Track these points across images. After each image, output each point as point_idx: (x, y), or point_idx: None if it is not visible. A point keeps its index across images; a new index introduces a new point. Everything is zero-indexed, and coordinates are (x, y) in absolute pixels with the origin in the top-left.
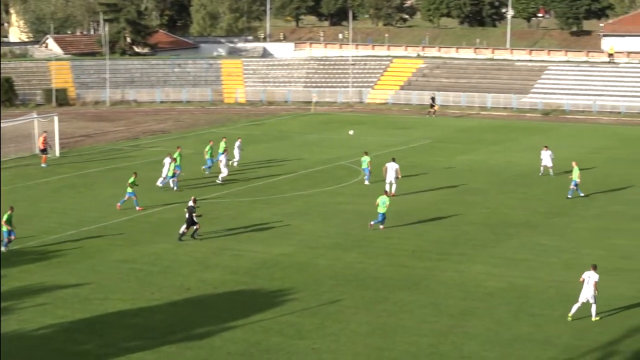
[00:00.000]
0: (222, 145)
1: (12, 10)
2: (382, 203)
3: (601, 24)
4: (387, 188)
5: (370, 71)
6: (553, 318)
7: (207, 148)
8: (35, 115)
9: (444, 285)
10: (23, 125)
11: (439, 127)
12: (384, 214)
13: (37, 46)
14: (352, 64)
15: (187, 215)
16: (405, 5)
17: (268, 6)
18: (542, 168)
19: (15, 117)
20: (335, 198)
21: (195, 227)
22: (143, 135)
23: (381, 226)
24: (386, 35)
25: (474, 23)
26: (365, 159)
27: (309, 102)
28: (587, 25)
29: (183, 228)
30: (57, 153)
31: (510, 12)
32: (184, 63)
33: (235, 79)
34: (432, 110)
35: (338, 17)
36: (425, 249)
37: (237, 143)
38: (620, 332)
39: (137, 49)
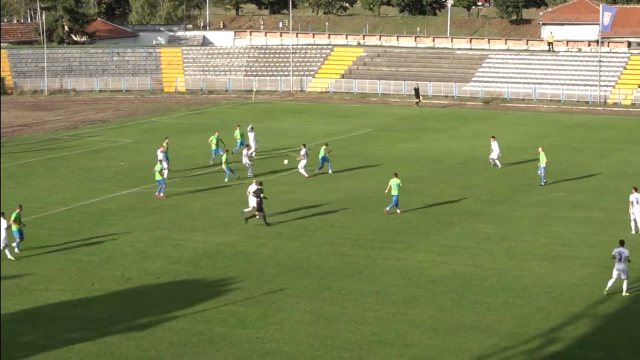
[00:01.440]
0: (238, 133)
1: None
2: (396, 185)
3: (540, 13)
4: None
5: (311, 60)
6: (495, 305)
7: (212, 138)
8: None
9: (386, 274)
10: None
11: (380, 115)
12: (397, 196)
13: None
14: (293, 53)
15: (256, 199)
16: None
17: None
18: (492, 160)
19: None
20: (277, 187)
21: (260, 214)
22: (82, 125)
23: (398, 210)
24: (326, 23)
25: (415, 12)
26: (323, 149)
27: (250, 91)
28: (526, 13)
29: (247, 210)
30: None
31: (450, 1)
32: (123, 52)
33: (175, 68)
34: (418, 101)
35: (278, 6)
36: (367, 237)
37: (252, 134)
38: (562, 320)
39: (75, 38)
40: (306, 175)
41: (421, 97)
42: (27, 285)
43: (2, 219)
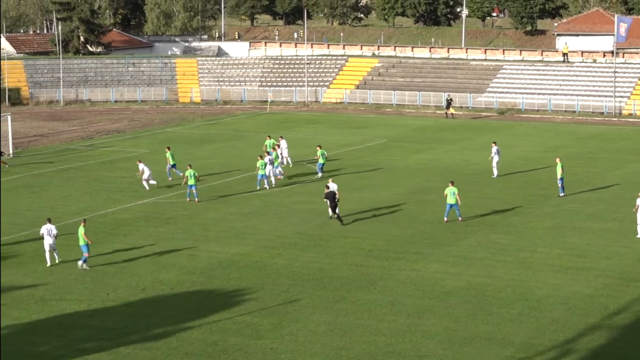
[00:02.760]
0: (269, 143)
1: None
2: (452, 193)
3: (555, 24)
4: None
5: (326, 70)
6: (510, 316)
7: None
8: None
9: (401, 284)
10: None
11: (395, 126)
12: (456, 204)
13: None
14: (308, 63)
15: (329, 202)
16: (360, 4)
17: (222, 5)
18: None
19: None
20: (292, 197)
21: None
22: (97, 135)
23: (460, 218)
24: (341, 34)
25: (429, 22)
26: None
27: (265, 102)
28: (541, 24)
29: (331, 213)
30: (11, 153)
31: (464, 12)
32: (139, 62)
33: (190, 78)
34: (450, 112)
35: (293, 16)
36: (381, 248)
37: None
38: (577, 331)
39: (90, 48)
40: (320, 174)
41: (451, 109)
42: (42, 295)
43: (49, 224)
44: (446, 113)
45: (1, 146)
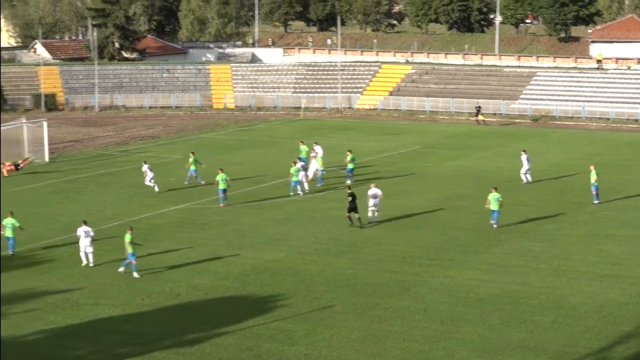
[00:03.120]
0: (304, 149)
1: (0, 15)
2: (495, 200)
3: (589, 31)
4: None
5: (359, 77)
6: (544, 324)
7: (302, 148)
8: (24, 121)
9: (434, 291)
10: (12, 131)
11: (429, 133)
12: (498, 211)
13: (25, 51)
14: (341, 70)
15: (350, 203)
16: (394, 11)
17: (256, 12)
18: (524, 176)
19: (4, 122)
20: (325, 203)
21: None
22: (132, 141)
23: (495, 225)
24: (375, 41)
25: (463, 29)
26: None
27: (298, 108)
28: (575, 31)
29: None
30: (47, 158)
31: (498, 18)
32: (173, 68)
33: (224, 85)
34: (480, 119)
35: (326, 23)
36: (415, 255)
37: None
38: (612, 339)
39: (125, 54)
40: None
41: (481, 116)
42: (77, 299)
43: (85, 226)
44: (477, 120)
45: (26, 152)
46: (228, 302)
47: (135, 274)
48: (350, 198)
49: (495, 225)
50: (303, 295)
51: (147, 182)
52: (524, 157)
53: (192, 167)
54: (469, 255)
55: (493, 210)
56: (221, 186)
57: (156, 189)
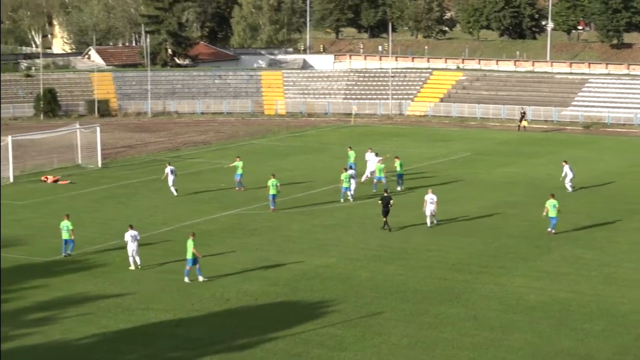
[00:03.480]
0: (352, 154)
1: (55, 22)
2: (552, 206)
3: None
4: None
5: (410, 83)
6: (594, 332)
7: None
8: (78, 126)
9: (484, 298)
10: (66, 136)
11: (479, 139)
12: (555, 217)
13: (79, 57)
14: (392, 76)
15: (384, 207)
16: (445, 17)
17: (308, 18)
18: (568, 186)
19: (58, 127)
20: (375, 210)
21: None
22: (184, 147)
23: (552, 230)
24: (426, 47)
25: (514, 35)
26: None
27: (349, 114)
28: (627, 38)
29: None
30: (99, 164)
31: (550, 25)
32: (225, 74)
33: (275, 91)
34: (522, 125)
35: (378, 29)
36: (465, 262)
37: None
38: None
39: (178, 61)
40: (399, 188)
41: (525, 122)
42: (129, 304)
43: (131, 230)
44: (518, 126)
45: (80, 157)
46: (278, 307)
47: (186, 279)
48: (380, 202)
49: (553, 232)
50: (353, 302)
51: (171, 185)
52: (566, 167)
53: (239, 172)
54: (519, 263)
55: (551, 217)
56: (271, 191)
57: (174, 193)
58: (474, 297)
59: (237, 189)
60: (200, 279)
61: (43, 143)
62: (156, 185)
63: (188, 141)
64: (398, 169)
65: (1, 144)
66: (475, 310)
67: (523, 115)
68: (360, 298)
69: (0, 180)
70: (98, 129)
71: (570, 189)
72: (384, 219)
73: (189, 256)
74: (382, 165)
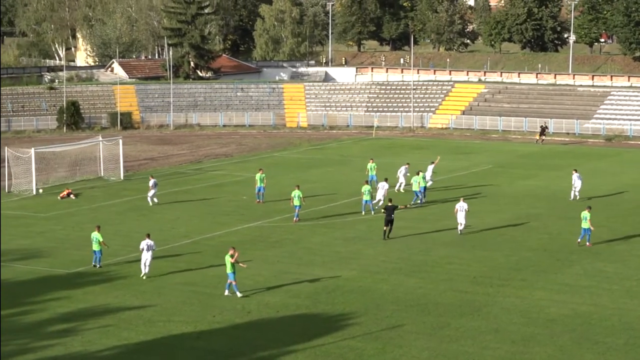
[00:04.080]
0: (372, 166)
1: (78, 35)
2: (585, 218)
3: None
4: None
5: (432, 96)
6: (616, 346)
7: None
8: (101, 139)
9: (505, 311)
10: (89, 148)
11: (501, 152)
12: (586, 229)
13: (102, 70)
14: (414, 89)
15: (389, 216)
16: (467, 30)
17: (330, 31)
18: (572, 193)
19: (81, 140)
20: (396, 222)
21: (387, 227)
22: (206, 159)
23: (588, 243)
24: (447, 60)
25: (536, 48)
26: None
27: (371, 127)
28: None
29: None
30: (122, 176)
31: (572, 38)
32: (247, 87)
33: (297, 103)
34: (540, 139)
35: (399, 42)
36: (486, 275)
37: (403, 169)
38: None
39: (200, 73)
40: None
41: (544, 136)
42: (150, 316)
43: (148, 239)
44: (536, 139)
45: (102, 170)
46: (299, 320)
47: (238, 294)
48: (383, 210)
49: (587, 244)
50: (373, 314)
51: (149, 196)
52: (574, 175)
53: (260, 185)
54: (540, 276)
55: (583, 229)
56: (295, 202)
57: (150, 203)
58: (495, 310)
59: (257, 200)
60: (238, 294)
61: (66, 155)
62: (178, 197)
63: (210, 153)
64: (421, 182)
65: (4, 155)
66: (496, 323)
67: (543, 130)
68: (380, 311)
69: (0, 190)
70: (120, 141)
71: (572, 197)
72: (385, 228)
73: (229, 270)
74: (420, 177)
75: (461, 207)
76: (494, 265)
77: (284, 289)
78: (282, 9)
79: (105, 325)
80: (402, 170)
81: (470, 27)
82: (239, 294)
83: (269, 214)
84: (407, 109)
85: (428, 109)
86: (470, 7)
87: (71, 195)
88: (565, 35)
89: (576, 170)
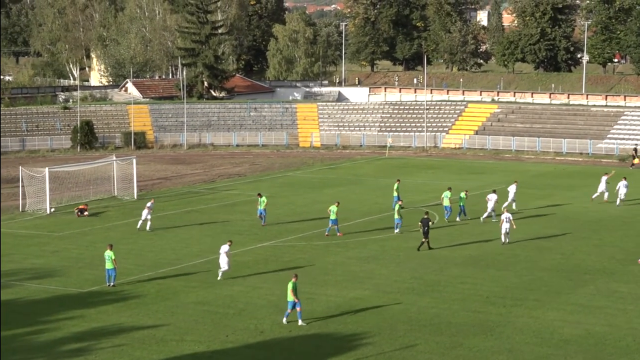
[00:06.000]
0: (397, 187)
1: (93, 55)
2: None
3: None
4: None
5: (445, 115)
6: None
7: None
8: (114, 158)
9: (519, 332)
10: (102, 168)
11: (514, 172)
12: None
13: (116, 90)
14: (427, 109)
15: (424, 228)
16: (480, 50)
17: (343, 51)
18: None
19: (95, 159)
20: (408, 242)
21: (426, 240)
22: (219, 179)
23: None
24: (461, 80)
25: (549, 68)
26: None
27: (384, 146)
28: None
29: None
30: (135, 196)
31: (585, 58)
32: (260, 107)
33: (310, 123)
34: (637, 162)
35: (413, 62)
36: (499, 295)
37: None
38: None
39: (214, 93)
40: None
41: (637, 159)
42: (163, 335)
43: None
44: (632, 163)
45: (116, 189)
46: (311, 339)
47: (300, 322)
48: (420, 223)
49: None
50: (386, 334)
51: (143, 217)
52: (621, 183)
53: (260, 207)
54: (554, 296)
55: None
56: (332, 217)
57: (139, 226)
58: (508, 330)
59: (263, 224)
60: (300, 322)
61: (80, 175)
62: (191, 217)
63: (223, 173)
64: (444, 200)
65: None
66: (509, 343)
67: (636, 152)
68: (393, 331)
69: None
70: (134, 160)
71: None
72: (424, 240)
73: (289, 299)
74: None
75: (506, 217)
76: (507, 285)
77: None
78: (296, 29)
79: (118, 345)
80: (511, 187)
81: (483, 47)
82: (300, 322)
83: (283, 233)
84: (420, 129)
85: (441, 129)
86: (484, 27)
87: (85, 213)
88: (579, 56)
89: (625, 178)
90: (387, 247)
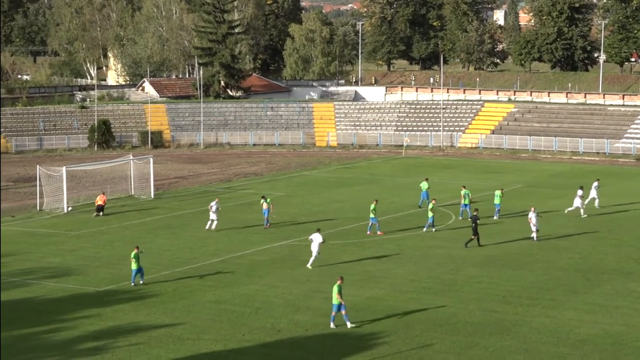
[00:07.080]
0: (424, 185)
1: (110, 55)
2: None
3: None
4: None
5: (462, 115)
6: None
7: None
8: (131, 157)
9: (535, 331)
10: (119, 167)
11: (531, 171)
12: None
13: (133, 89)
14: (444, 108)
15: (472, 225)
16: (497, 49)
17: (360, 50)
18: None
19: (112, 158)
20: (426, 242)
21: (475, 237)
22: (236, 178)
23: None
24: (477, 79)
25: (566, 67)
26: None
27: (400, 146)
28: None
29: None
30: (152, 195)
31: (602, 57)
32: (277, 106)
33: (327, 122)
34: None
35: (429, 61)
36: (516, 294)
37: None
38: None
39: (230, 92)
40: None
41: None
42: (180, 334)
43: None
44: None
45: (133, 188)
46: (328, 339)
47: (332, 325)
48: (470, 219)
49: None
50: (402, 333)
51: (211, 218)
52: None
53: (265, 209)
54: (571, 296)
55: None
56: (371, 215)
57: (207, 227)
58: (524, 330)
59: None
60: (348, 325)
61: (97, 174)
62: (207, 216)
63: (240, 172)
64: (463, 199)
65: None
66: (526, 343)
67: None
68: (410, 330)
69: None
70: (151, 160)
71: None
72: (473, 237)
73: (335, 301)
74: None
75: (534, 215)
76: (523, 285)
77: (313, 308)
78: (312, 29)
79: (135, 343)
80: (595, 184)
81: (500, 47)
82: (349, 324)
83: (299, 232)
84: (436, 128)
85: (458, 128)
86: (500, 27)
87: (101, 213)
88: (596, 55)
89: (582, 188)
90: (404, 247)
